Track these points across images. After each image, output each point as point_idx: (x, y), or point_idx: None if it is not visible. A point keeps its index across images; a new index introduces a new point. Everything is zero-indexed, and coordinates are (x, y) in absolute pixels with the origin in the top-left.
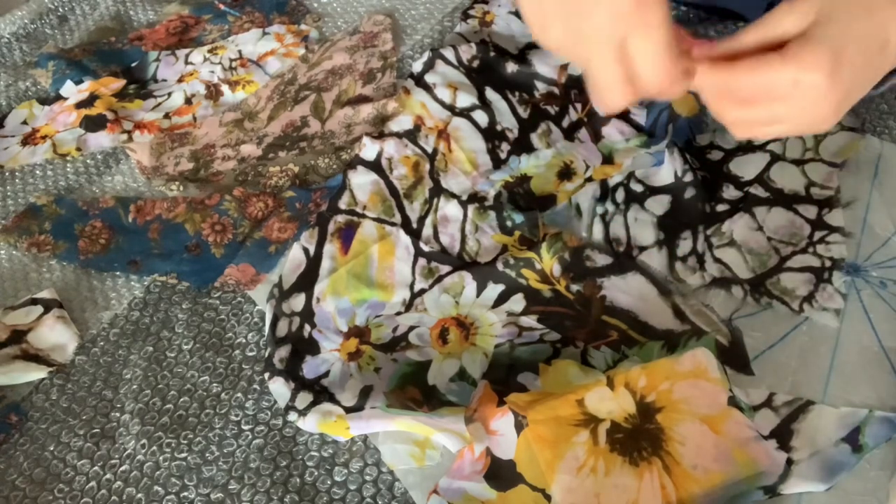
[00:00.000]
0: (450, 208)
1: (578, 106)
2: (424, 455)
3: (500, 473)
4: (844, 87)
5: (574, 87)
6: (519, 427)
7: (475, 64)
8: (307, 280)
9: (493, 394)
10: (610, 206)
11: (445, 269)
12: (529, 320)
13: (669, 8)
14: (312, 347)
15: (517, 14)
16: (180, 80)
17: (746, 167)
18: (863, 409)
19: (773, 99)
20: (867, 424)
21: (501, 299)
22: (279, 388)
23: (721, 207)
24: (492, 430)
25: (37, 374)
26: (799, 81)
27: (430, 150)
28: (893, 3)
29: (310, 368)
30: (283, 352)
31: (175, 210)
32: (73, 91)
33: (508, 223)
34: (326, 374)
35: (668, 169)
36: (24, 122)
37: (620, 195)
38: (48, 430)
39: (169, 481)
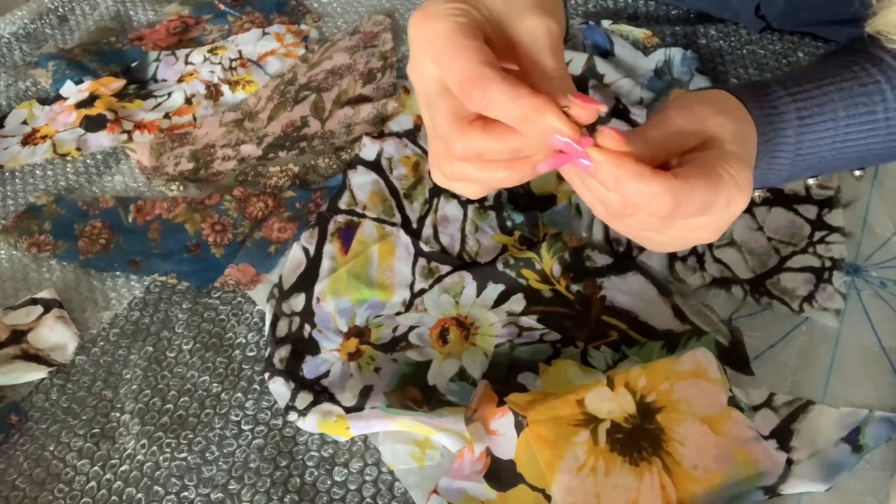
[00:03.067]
0: (450, 208)
1: None
2: (424, 455)
3: (500, 473)
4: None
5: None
6: (519, 427)
7: None
8: (307, 280)
9: (493, 394)
10: None
11: (445, 269)
12: (529, 320)
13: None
14: (312, 347)
15: None
16: (180, 80)
17: None
18: (863, 409)
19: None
20: (867, 424)
21: (501, 299)
22: (279, 388)
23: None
24: (492, 430)
25: (37, 374)
26: (731, 201)
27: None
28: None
29: (310, 368)
30: (283, 352)
31: (175, 210)
32: (73, 91)
33: (508, 223)
34: (326, 374)
35: None
36: (24, 122)
37: None
38: (48, 430)
39: (169, 481)
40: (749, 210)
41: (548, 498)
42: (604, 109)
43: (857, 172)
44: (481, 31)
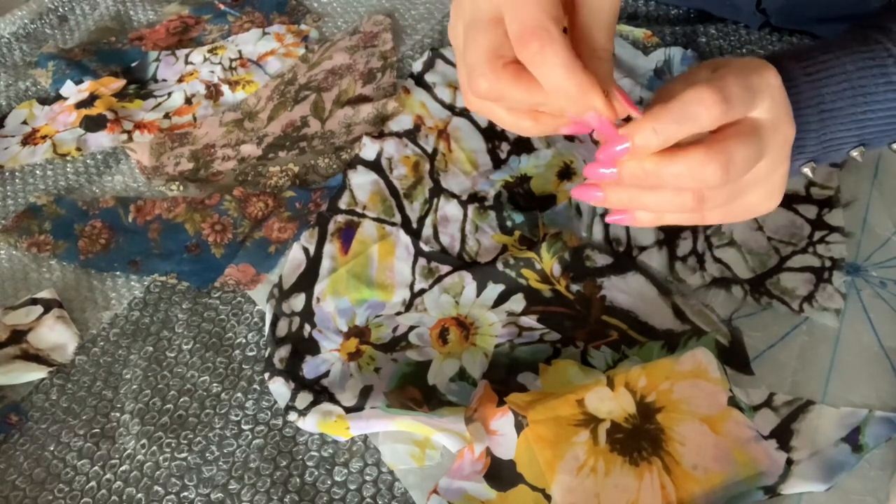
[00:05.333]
0: (450, 208)
1: None
2: (424, 455)
3: (500, 473)
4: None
5: None
6: (519, 427)
7: None
8: (307, 280)
9: (493, 394)
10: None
11: (445, 268)
12: (529, 320)
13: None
14: (312, 347)
15: None
16: (180, 80)
17: None
18: (863, 409)
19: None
20: (867, 424)
21: (501, 299)
22: (279, 388)
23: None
24: (492, 430)
25: (37, 374)
26: (775, 126)
27: (430, 149)
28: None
29: (310, 368)
30: (283, 352)
31: (175, 210)
32: (73, 91)
33: (508, 223)
34: (326, 374)
35: None
36: (24, 122)
37: None
38: (48, 430)
39: (169, 481)
40: None
41: (548, 498)
42: (639, 116)
43: (854, 153)
44: None
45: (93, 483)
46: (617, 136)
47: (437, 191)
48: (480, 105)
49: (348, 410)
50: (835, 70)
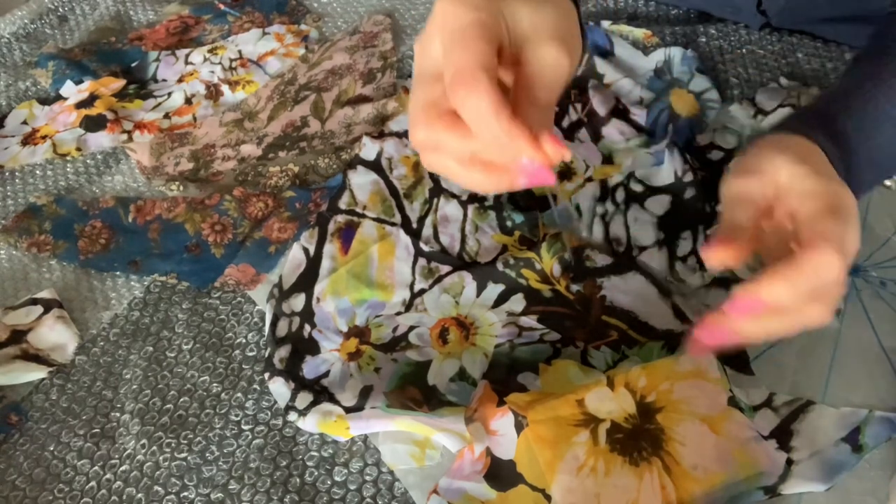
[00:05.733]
0: (450, 208)
1: (578, 106)
2: (424, 455)
3: (501, 474)
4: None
5: (574, 87)
6: (519, 427)
7: None
8: (307, 280)
9: (493, 394)
10: (610, 206)
11: (445, 269)
12: (529, 320)
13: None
14: (312, 347)
15: None
16: (180, 80)
17: None
18: (863, 408)
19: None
20: (867, 424)
21: (501, 299)
22: (279, 388)
23: (721, 207)
24: (492, 430)
25: (37, 374)
26: (823, 269)
27: None
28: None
29: (310, 368)
30: (283, 352)
31: (175, 210)
32: (73, 91)
33: (508, 223)
34: (326, 374)
35: (668, 169)
36: (24, 122)
37: (620, 195)
38: (48, 430)
39: (169, 481)
40: None
41: (548, 498)
42: (567, 158)
43: (888, 182)
44: (498, 39)
45: (93, 483)
46: (546, 174)
47: (437, 191)
48: (432, 161)
49: (348, 410)
50: (881, 119)
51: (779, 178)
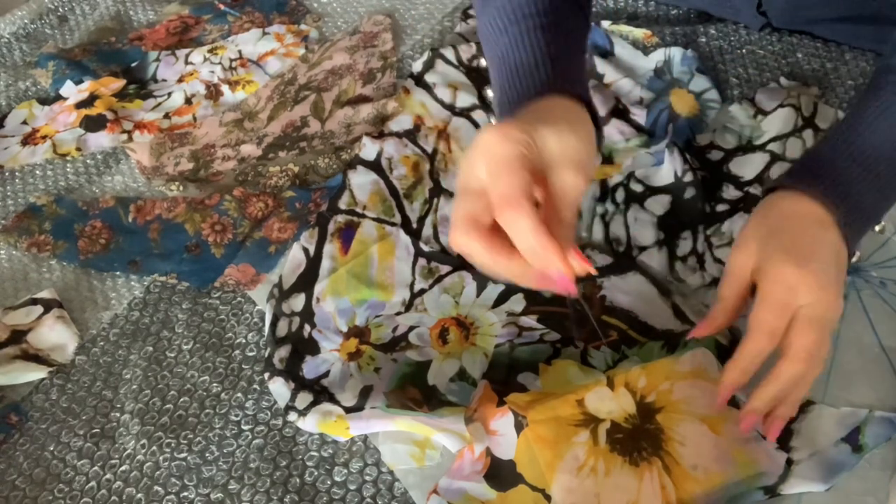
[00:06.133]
0: (450, 208)
1: None
2: (424, 455)
3: (501, 474)
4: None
5: None
6: (519, 427)
7: (475, 63)
8: (307, 280)
9: (493, 394)
10: (610, 206)
11: (445, 269)
12: (529, 320)
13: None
14: (312, 347)
15: None
16: (180, 80)
17: (746, 167)
18: (863, 408)
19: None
20: (867, 424)
21: (501, 299)
22: (279, 388)
23: (721, 207)
24: (492, 430)
25: (37, 374)
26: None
27: (429, 149)
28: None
29: (309, 368)
30: (283, 352)
31: (175, 210)
32: (73, 91)
33: None
34: (326, 374)
35: (667, 169)
36: (24, 122)
37: (620, 195)
38: (48, 430)
39: (169, 481)
40: (749, 209)
41: (548, 498)
42: (593, 273)
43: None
44: (533, 166)
45: (93, 483)
46: (571, 287)
47: (437, 191)
48: (467, 256)
49: (348, 410)
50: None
51: (781, 283)
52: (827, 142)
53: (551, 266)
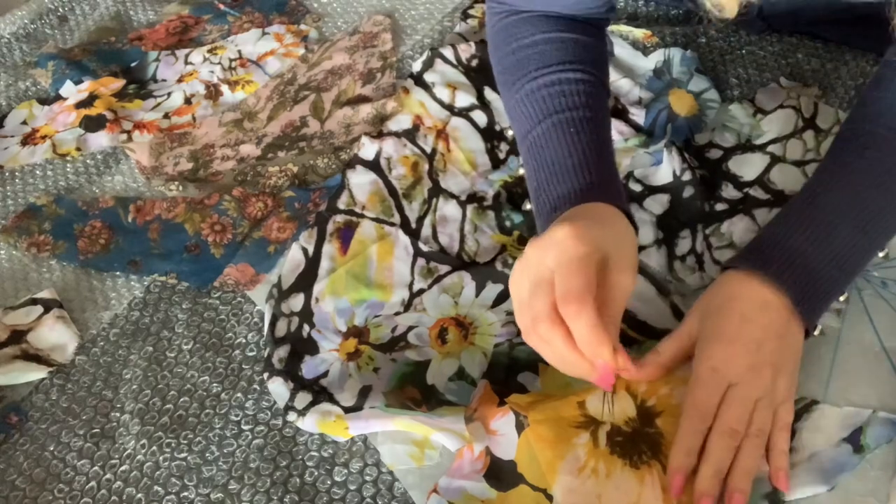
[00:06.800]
0: (449, 208)
1: None
2: (423, 455)
3: (501, 474)
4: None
5: None
6: (520, 427)
7: (474, 63)
8: (306, 280)
9: (493, 394)
10: None
11: (444, 269)
12: None
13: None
14: (311, 347)
15: None
16: (180, 80)
17: (746, 167)
18: (866, 409)
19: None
20: (870, 425)
21: (500, 299)
22: (278, 388)
23: (720, 207)
24: (492, 430)
25: (37, 374)
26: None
27: (428, 149)
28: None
29: (309, 368)
30: (282, 352)
31: (175, 210)
32: (72, 91)
33: (507, 223)
34: (325, 374)
35: (666, 168)
36: (24, 122)
37: None
38: (48, 430)
39: (169, 481)
40: (749, 212)
41: (549, 498)
42: (637, 377)
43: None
44: (596, 267)
45: (93, 483)
46: (609, 380)
47: (436, 191)
48: (537, 343)
49: (347, 410)
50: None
51: (709, 361)
52: (782, 219)
53: (600, 356)
